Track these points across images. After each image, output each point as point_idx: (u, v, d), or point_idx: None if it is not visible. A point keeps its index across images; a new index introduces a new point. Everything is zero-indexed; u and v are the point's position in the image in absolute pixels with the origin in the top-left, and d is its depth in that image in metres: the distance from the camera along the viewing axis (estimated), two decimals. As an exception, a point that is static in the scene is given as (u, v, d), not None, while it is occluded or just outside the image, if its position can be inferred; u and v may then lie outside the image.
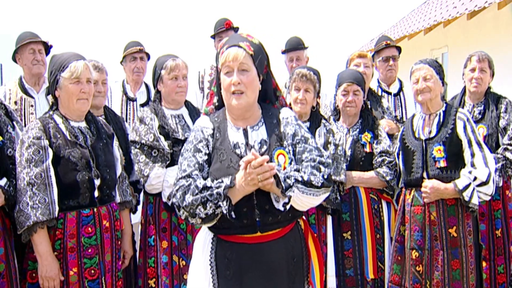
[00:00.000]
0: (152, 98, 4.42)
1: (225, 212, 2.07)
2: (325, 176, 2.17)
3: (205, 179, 2.16)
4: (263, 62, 2.30)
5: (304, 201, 2.16)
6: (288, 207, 2.14)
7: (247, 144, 2.25)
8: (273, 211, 2.18)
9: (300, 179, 2.13)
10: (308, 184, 2.13)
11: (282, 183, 2.09)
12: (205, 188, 2.10)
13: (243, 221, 2.16)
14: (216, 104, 2.40)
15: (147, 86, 4.56)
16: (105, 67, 3.53)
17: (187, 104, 3.44)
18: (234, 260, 2.20)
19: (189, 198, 2.09)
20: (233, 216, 2.08)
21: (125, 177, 3.06)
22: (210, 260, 2.23)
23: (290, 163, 2.21)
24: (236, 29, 4.84)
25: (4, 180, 2.70)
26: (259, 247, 2.19)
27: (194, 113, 3.40)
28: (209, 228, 2.27)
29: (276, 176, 2.09)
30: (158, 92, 3.38)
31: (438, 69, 3.30)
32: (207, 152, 2.25)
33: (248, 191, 2.12)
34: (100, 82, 3.43)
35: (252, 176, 2.06)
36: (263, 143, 2.26)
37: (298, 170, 2.17)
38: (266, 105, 2.39)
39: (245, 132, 2.28)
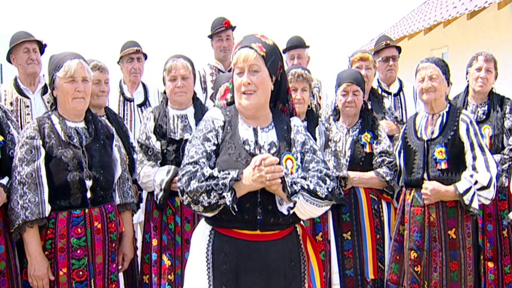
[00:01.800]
0: (149, 98, 4.46)
1: (228, 203, 2.07)
2: (330, 189, 2.19)
3: (211, 168, 2.17)
4: (277, 63, 2.31)
5: (306, 209, 2.18)
6: (291, 212, 2.15)
7: (256, 142, 2.26)
8: (275, 213, 2.19)
9: (306, 187, 2.15)
10: (313, 193, 2.15)
11: (289, 187, 2.11)
12: (211, 177, 2.11)
13: (244, 216, 2.16)
14: (229, 100, 2.42)
15: (144, 86, 4.55)
16: (107, 67, 3.54)
17: (196, 103, 3.42)
18: (231, 255, 2.19)
19: (194, 184, 2.09)
20: (235, 209, 2.09)
21: (127, 178, 3.03)
22: (206, 252, 2.23)
23: (297, 170, 2.23)
24: (234, 28, 4.82)
25: (6, 179, 2.71)
26: (257, 245, 2.20)
27: (200, 113, 3.38)
28: (208, 220, 2.27)
29: (283, 180, 2.11)
30: (164, 92, 3.41)
31: (444, 68, 3.28)
32: (216, 142, 2.25)
33: (254, 188, 2.12)
34: (102, 81, 3.44)
35: (262, 173, 2.07)
36: (273, 145, 2.28)
37: (305, 178, 2.19)
38: (276, 111, 2.41)
39: (255, 131, 2.29)
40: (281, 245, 2.25)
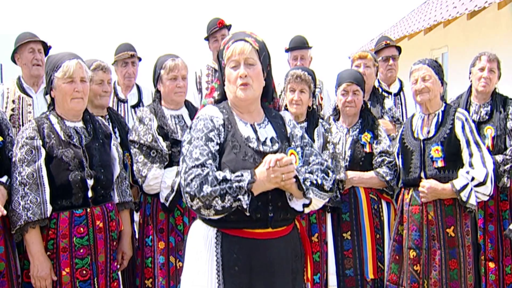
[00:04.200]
0: (143, 100, 4.46)
1: (245, 206, 2.04)
2: (332, 182, 2.24)
3: (217, 169, 2.12)
4: (267, 59, 2.32)
5: (314, 203, 2.20)
6: (306, 208, 2.19)
7: (258, 139, 2.24)
8: (284, 208, 2.19)
9: (315, 182, 2.17)
10: (320, 187, 2.19)
11: (303, 185, 2.13)
12: (225, 180, 2.05)
13: (256, 215, 2.12)
14: (216, 98, 2.38)
15: (138, 87, 4.58)
16: (110, 67, 3.54)
17: (187, 104, 3.42)
18: (242, 255, 2.15)
19: (207, 188, 2.02)
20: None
21: (125, 177, 3.05)
22: (216, 256, 2.16)
23: (300, 164, 2.24)
24: (229, 27, 4.81)
25: (5, 177, 2.71)
26: (268, 242, 2.18)
27: (194, 113, 3.37)
28: (211, 222, 2.18)
29: (297, 178, 2.11)
30: (158, 91, 3.35)
31: (437, 69, 3.29)
32: (219, 142, 2.19)
33: (268, 188, 2.11)
34: (105, 81, 3.43)
35: (277, 174, 2.06)
36: (274, 141, 2.27)
37: (311, 173, 2.21)
38: (267, 107, 2.41)
39: (254, 128, 2.28)
40: (289, 240, 2.26)
